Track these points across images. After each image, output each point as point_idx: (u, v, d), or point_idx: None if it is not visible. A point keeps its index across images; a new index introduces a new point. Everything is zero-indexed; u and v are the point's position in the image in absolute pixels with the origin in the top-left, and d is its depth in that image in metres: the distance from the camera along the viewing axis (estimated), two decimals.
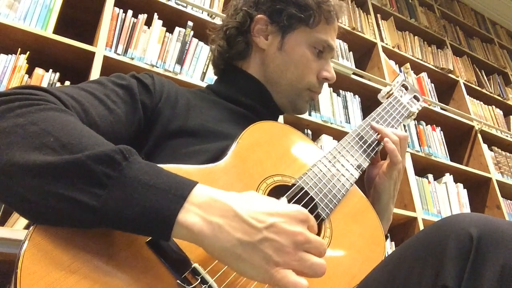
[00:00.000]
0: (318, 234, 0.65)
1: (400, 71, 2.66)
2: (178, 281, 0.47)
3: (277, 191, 0.65)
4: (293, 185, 0.67)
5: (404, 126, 2.35)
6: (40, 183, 0.44)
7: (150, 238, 0.49)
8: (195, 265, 0.49)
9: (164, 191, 0.45)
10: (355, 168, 0.76)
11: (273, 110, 0.86)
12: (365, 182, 0.86)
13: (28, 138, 0.47)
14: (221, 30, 0.87)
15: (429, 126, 2.54)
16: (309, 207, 0.66)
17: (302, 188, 0.67)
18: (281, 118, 1.86)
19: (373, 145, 0.82)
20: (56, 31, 1.54)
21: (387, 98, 0.94)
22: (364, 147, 0.80)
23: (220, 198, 0.46)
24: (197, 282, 0.48)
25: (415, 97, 0.97)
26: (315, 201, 0.67)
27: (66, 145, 0.46)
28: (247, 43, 0.84)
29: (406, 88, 0.97)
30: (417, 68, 2.74)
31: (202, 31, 1.53)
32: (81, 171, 0.44)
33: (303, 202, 0.66)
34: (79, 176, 0.44)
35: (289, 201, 0.63)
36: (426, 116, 2.55)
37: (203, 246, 0.45)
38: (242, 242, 0.44)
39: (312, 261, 0.45)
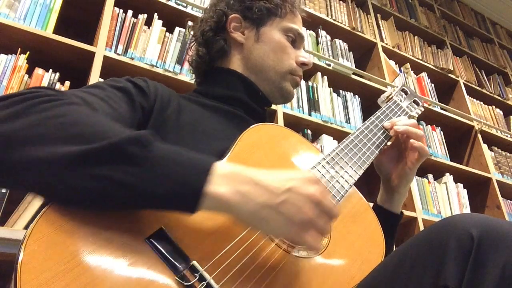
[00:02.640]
0: None
1: (400, 71, 2.66)
2: (176, 277, 0.48)
3: None
4: None
5: None
6: (80, 169, 0.47)
7: (149, 235, 0.50)
8: (194, 262, 0.50)
9: (191, 166, 0.50)
10: (355, 170, 0.76)
11: (262, 101, 0.88)
12: (381, 170, 0.89)
13: (59, 129, 0.50)
14: (199, 37, 0.91)
15: (429, 126, 2.54)
16: None
17: None
18: (281, 119, 1.86)
19: (380, 141, 0.84)
20: (56, 31, 1.54)
21: (386, 102, 0.95)
22: (369, 144, 0.82)
23: (239, 170, 0.53)
24: (195, 279, 0.49)
25: (414, 101, 0.98)
26: None
27: (96, 133, 0.50)
28: (225, 40, 0.88)
29: (406, 93, 0.98)
30: (417, 68, 2.74)
31: None
32: (117, 153, 0.48)
33: None
34: (115, 158, 0.48)
35: None
36: (426, 116, 2.54)
37: (231, 213, 0.51)
38: (266, 206, 0.50)
39: (321, 224, 0.52)
